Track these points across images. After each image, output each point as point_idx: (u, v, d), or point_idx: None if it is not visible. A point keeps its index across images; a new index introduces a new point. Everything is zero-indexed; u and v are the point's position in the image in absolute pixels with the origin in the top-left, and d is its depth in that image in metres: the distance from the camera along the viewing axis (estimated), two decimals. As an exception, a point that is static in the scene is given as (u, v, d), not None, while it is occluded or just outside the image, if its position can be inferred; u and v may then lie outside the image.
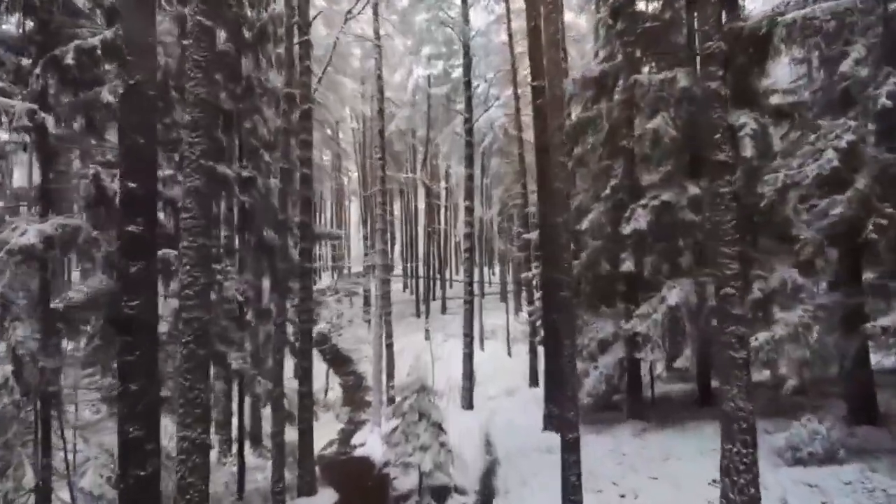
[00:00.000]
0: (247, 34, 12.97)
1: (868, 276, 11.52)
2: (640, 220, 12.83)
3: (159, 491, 7.56)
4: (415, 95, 38.22)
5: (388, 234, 37.14)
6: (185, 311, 6.73)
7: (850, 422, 10.19)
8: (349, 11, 19.49)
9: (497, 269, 48.24)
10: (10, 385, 8.04)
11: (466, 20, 21.15)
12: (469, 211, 21.05)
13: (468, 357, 19.74)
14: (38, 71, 9.36)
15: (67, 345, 11.38)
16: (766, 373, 12.12)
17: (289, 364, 14.00)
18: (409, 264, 46.44)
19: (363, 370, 27.59)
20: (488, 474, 12.64)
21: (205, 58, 7.16)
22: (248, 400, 15.37)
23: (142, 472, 7.20)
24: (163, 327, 9.55)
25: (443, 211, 48.14)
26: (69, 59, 9.03)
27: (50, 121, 9.10)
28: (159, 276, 8.68)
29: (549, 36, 8.82)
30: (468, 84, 21.06)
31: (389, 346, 21.82)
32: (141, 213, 7.38)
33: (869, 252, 10.81)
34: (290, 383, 13.73)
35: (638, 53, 14.55)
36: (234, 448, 13.77)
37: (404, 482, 11.69)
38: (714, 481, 9.17)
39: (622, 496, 10.00)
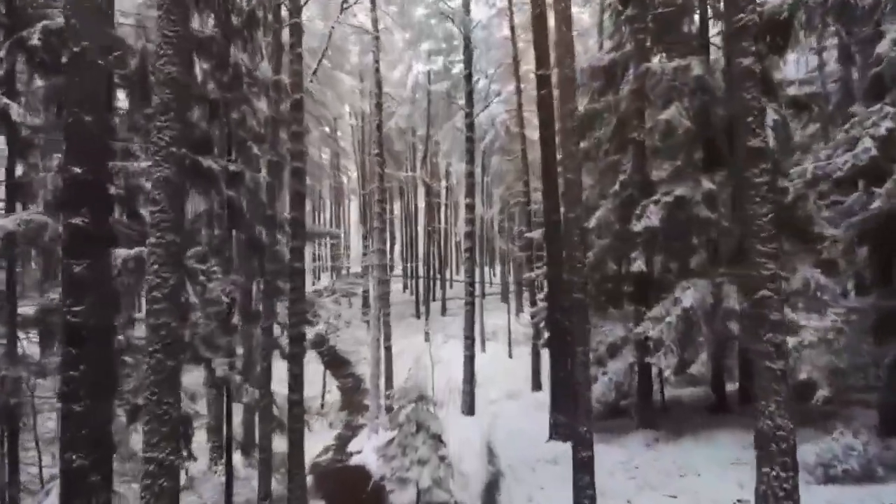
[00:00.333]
0: (235, 20, 12.23)
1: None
2: (651, 216, 12.10)
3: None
4: (415, 93, 37.45)
5: (388, 234, 36.44)
6: (152, 317, 5.97)
7: (882, 434, 9.42)
8: (345, 0, 18.73)
9: (498, 269, 47.52)
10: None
11: (467, 10, 20.39)
12: (470, 208, 20.29)
13: (469, 360, 18.99)
14: (2, 54, 8.63)
15: (41, 352, 10.69)
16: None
17: (283, 368, 13.29)
18: (408, 264, 45.71)
19: (361, 372, 26.89)
20: (491, 489, 11.89)
21: (176, 33, 6.39)
22: (241, 407, 14.66)
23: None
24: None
25: (443, 210, 47.40)
26: (35, 40, 8.30)
27: (14, 108, 8.34)
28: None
29: (560, 12, 8.07)
30: (469, 77, 20.31)
31: (388, 349, 21.10)
32: (87, 203, 6.56)
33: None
34: (282, 389, 13.01)
35: (648, 42, 13.82)
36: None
37: (401, 497, 10.95)
38: (739, 501, 8.43)
39: (640, 518, 9.27)
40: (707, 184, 12.14)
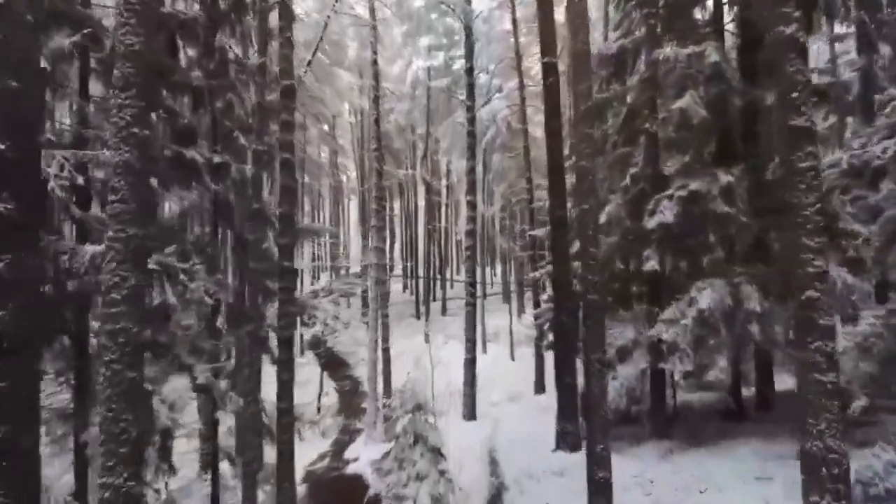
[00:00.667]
0: (222, 3, 11.51)
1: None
2: (665, 212, 11.35)
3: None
4: (414, 89, 36.73)
5: (387, 232, 35.73)
6: (109, 321, 5.23)
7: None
8: (341, -12, 17.99)
9: (499, 269, 46.79)
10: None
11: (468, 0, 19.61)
12: (471, 206, 19.53)
13: (470, 363, 18.25)
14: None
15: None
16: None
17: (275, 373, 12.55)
18: (408, 264, 45.00)
19: (360, 374, 26.22)
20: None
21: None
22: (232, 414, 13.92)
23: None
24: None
25: (443, 208, 46.69)
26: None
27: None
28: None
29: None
30: (471, 70, 19.54)
31: (386, 351, 20.39)
32: (11, 186, 5.76)
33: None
34: (274, 396, 12.26)
35: (659, 29, 13.06)
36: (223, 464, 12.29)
37: (399, 512, 10.19)
38: (770, 524, 7.67)
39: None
40: (724, 177, 11.38)
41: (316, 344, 30.44)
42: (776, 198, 12.37)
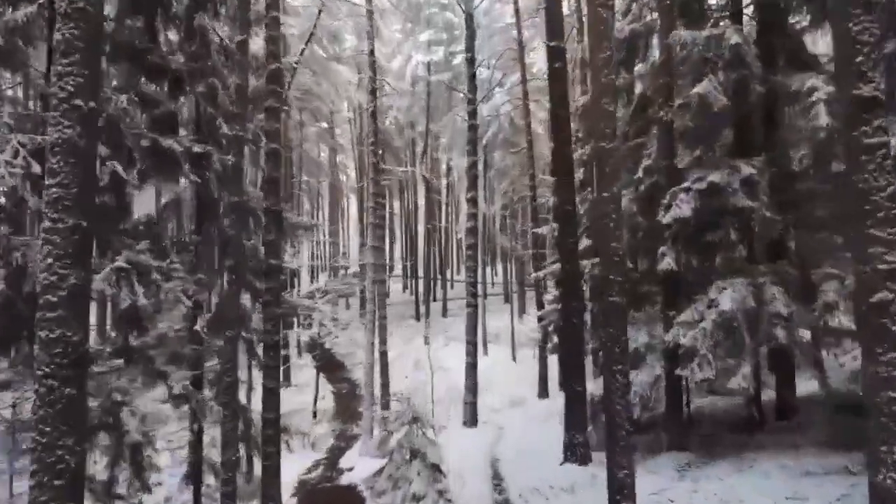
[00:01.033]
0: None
1: None
2: (682, 206, 10.53)
3: None
4: (414, 84, 35.94)
5: (386, 231, 34.93)
6: (44, 329, 4.39)
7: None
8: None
9: (500, 269, 46.01)
10: None
11: (469, -14, 18.78)
12: (473, 202, 18.68)
13: (472, 368, 17.43)
14: None
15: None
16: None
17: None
18: (407, 263, 44.24)
19: (358, 377, 25.49)
20: (499, 522, 10.33)
21: (85, -51, 4.80)
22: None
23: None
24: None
25: (443, 207, 45.92)
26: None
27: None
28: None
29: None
30: (472, 60, 18.69)
31: (384, 354, 19.57)
32: None
33: None
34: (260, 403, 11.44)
35: (675, 12, 12.24)
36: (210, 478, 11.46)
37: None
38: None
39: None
40: (746, 169, 10.57)
41: (313, 346, 29.72)
42: (801, 191, 11.68)
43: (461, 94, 26.11)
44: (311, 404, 22.66)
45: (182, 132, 10.64)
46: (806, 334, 10.19)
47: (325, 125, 41.26)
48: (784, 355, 11.58)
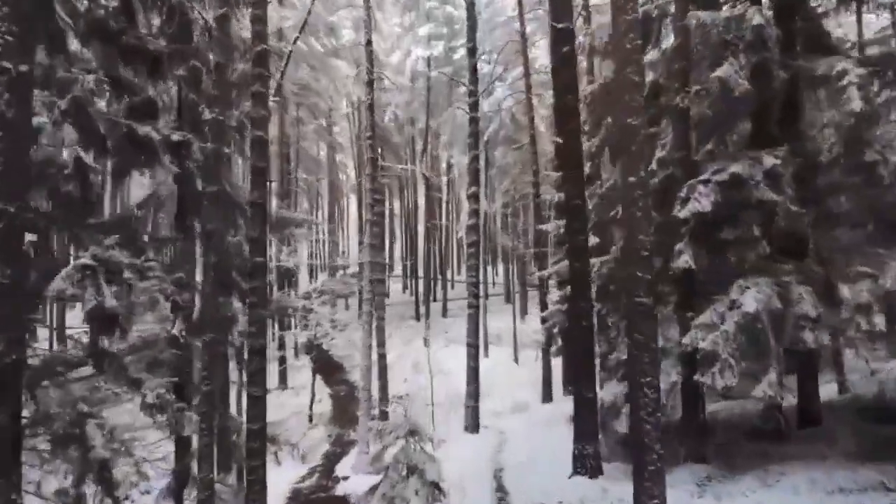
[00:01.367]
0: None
1: None
2: (701, 199, 9.75)
3: None
4: (414, 79, 35.25)
5: (385, 229, 34.26)
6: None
7: None
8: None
9: (501, 269, 45.32)
10: None
11: (470, -28, 18.00)
12: (475, 198, 17.91)
13: (473, 372, 16.67)
14: None
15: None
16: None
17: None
18: (407, 263, 43.57)
19: (356, 379, 24.69)
20: (504, 543, 9.58)
21: None
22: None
23: None
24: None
25: (444, 206, 45.23)
26: None
27: None
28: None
29: None
30: (473, 51, 17.92)
31: (382, 356, 18.82)
32: None
33: None
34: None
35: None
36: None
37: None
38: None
39: None
40: (769, 159, 9.80)
41: (309, 347, 29.05)
42: (827, 183, 10.95)
43: (462, 90, 25.44)
44: (308, 408, 21.96)
45: (163, 120, 9.94)
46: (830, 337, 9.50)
47: (323, 122, 40.59)
48: (808, 359, 10.87)
